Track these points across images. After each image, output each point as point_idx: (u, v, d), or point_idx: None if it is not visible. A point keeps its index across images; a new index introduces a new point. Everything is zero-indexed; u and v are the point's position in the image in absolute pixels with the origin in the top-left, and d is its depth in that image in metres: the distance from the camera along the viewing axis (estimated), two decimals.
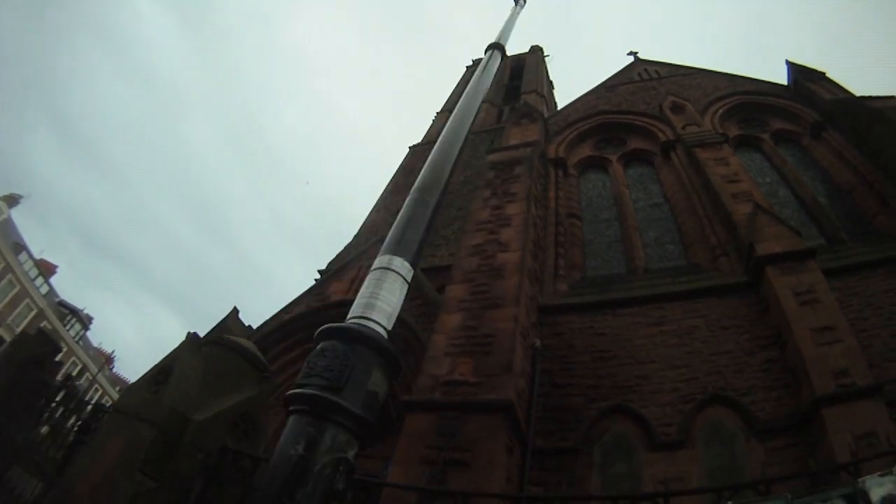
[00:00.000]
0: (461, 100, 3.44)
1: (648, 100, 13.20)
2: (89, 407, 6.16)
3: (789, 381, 7.27)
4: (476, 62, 26.37)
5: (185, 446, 3.32)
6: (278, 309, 10.90)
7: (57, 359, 8.42)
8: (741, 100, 12.42)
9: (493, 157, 10.60)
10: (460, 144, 2.96)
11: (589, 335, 8.22)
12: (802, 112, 11.59)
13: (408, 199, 2.42)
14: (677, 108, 11.91)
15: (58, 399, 6.23)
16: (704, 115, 11.79)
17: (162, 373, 3.83)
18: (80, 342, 42.75)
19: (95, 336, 45.90)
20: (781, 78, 13.18)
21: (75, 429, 5.59)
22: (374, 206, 14.98)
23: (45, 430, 6.05)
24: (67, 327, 41.26)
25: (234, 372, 3.93)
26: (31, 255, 38.88)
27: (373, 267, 2.12)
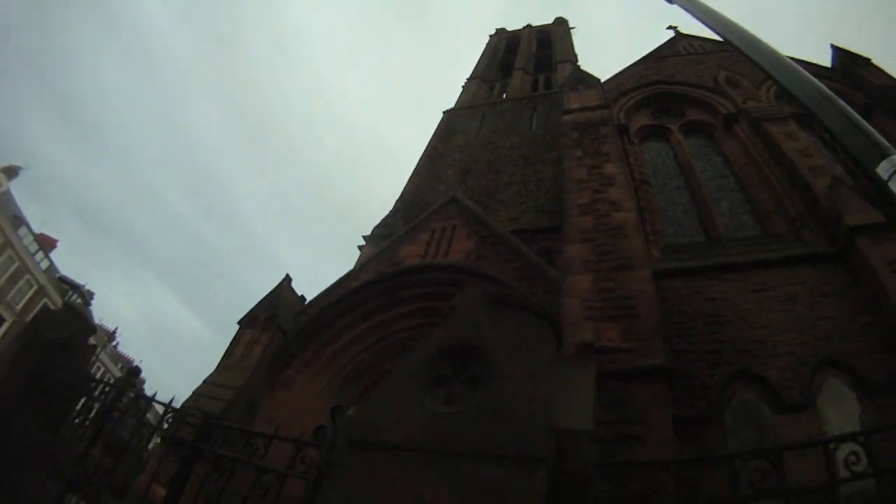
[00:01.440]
0: (717, 21, 2.82)
1: (700, 73, 13.24)
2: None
3: (889, 345, 7.51)
4: (500, 31, 26.14)
5: (579, 479, 1.95)
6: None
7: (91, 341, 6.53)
8: None
9: (570, 118, 10.20)
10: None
11: (697, 300, 8.11)
12: (851, 95, 12.00)
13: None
14: (733, 83, 11.98)
15: (117, 405, 4.57)
16: (759, 91, 11.95)
17: (455, 358, 2.16)
18: None
19: (96, 313, 42.35)
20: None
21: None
22: (414, 171, 14.55)
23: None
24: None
25: (541, 345, 2.74)
26: (30, 230, 36.86)
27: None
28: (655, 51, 15.07)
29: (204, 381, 8.53)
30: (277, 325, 9.10)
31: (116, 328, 40.96)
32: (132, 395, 4.65)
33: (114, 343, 39.43)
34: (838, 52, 13.16)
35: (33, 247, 36.31)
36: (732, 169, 10.82)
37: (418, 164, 14.89)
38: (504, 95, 18.13)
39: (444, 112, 17.50)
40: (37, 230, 38.03)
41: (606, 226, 7.62)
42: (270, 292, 9.99)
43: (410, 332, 8.84)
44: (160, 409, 4.42)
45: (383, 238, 11.26)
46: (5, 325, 33.03)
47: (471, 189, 11.98)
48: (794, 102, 10.78)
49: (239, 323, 9.62)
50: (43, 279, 36.78)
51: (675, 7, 3.49)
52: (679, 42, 15.56)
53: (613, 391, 5.76)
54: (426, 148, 15.61)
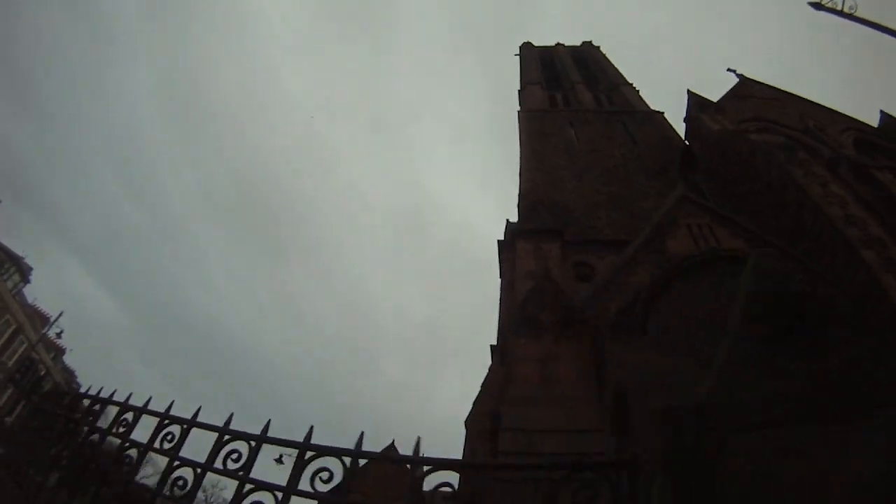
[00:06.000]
0: None
1: (780, 116, 14.35)
2: None
3: None
4: (527, 44, 26.96)
5: None
6: None
7: None
8: (858, 135, 14.32)
9: (761, 138, 10.30)
10: None
11: None
12: None
13: None
14: (820, 129, 13.19)
15: None
16: (841, 139, 13.30)
17: None
18: (17, 297, 31.73)
19: (32, 292, 34.36)
20: None
21: None
22: (524, 169, 14.10)
23: None
24: (5, 277, 30.95)
25: None
26: None
27: None
28: (732, 90, 16.17)
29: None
30: (590, 329, 6.62)
31: (62, 313, 31.13)
32: None
33: (59, 331, 29.81)
34: (887, 117, 15.15)
35: None
36: None
37: (523, 162, 14.50)
38: (568, 106, 18.39)
39: (519, 112, 17.45)
40: None
41: (871, 237, 7.79)
42: (536, 286, 7.66)
43: None
44: None
45: (535, 233, 10.48)
46: None
47: (608, 194, 11.60)
48: (871, 151, 12.15)
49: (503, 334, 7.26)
50: None
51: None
52: (747, 85, 16.85)
53: None
54: (524, 147, 15.24)
